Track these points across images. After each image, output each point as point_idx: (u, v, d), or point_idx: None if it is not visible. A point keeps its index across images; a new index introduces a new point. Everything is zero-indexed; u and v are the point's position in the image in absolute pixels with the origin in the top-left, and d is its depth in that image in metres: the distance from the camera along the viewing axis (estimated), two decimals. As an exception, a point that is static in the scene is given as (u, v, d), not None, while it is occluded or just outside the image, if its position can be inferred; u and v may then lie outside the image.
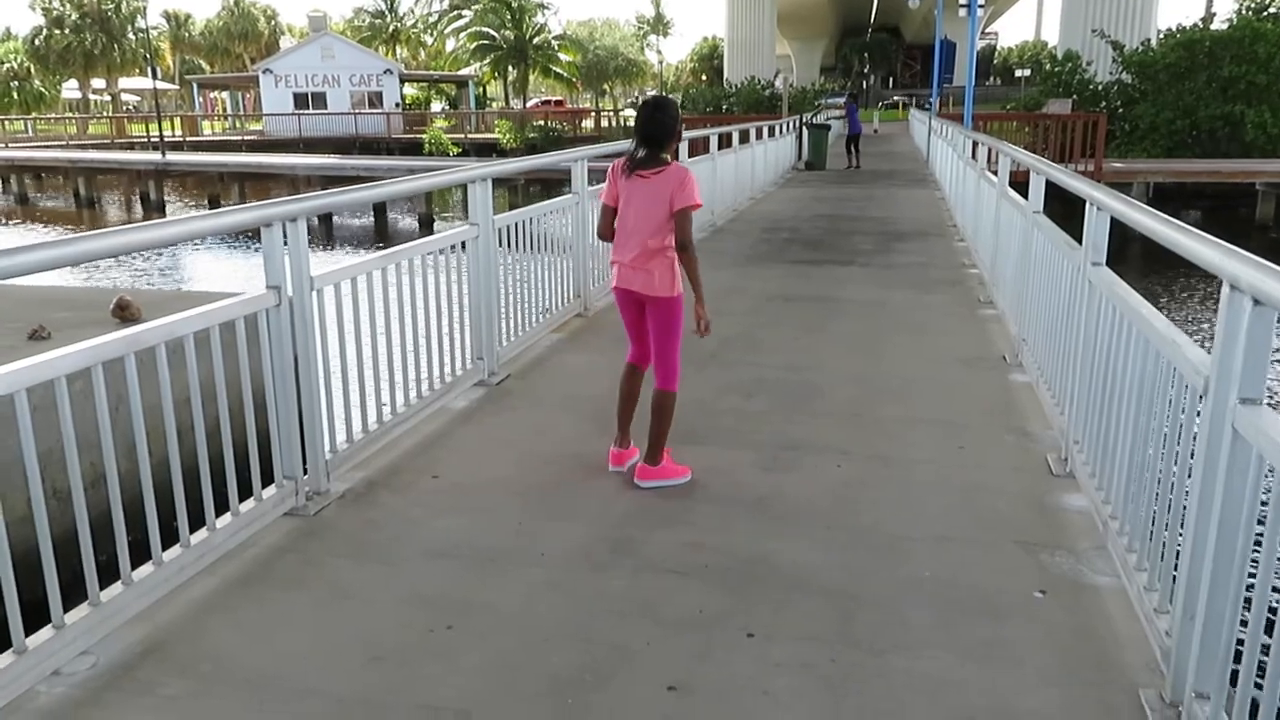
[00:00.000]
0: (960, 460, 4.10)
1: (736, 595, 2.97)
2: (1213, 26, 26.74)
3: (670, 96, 4.69)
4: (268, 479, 3.45)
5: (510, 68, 56.93)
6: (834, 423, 4.58)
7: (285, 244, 3.39)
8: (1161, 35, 27.00)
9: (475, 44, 56.35)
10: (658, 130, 3.73)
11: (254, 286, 3.46)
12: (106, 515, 2.68)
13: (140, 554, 2.86)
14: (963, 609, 2.89)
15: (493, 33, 55.10)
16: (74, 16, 62.97)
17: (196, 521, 3.07)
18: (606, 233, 3.94)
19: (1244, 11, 28.43)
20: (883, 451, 4.18)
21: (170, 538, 2.97)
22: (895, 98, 74.74)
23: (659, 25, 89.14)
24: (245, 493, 3.33)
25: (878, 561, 3.19)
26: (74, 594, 2.64)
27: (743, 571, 3.13)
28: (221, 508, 3.23)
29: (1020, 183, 6.11)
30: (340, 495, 3.69)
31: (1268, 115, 23.36)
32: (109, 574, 2.74)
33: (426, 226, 25.53)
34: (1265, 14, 27.60)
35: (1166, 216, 2.81)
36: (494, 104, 63.08)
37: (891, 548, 3.29)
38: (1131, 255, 14.38)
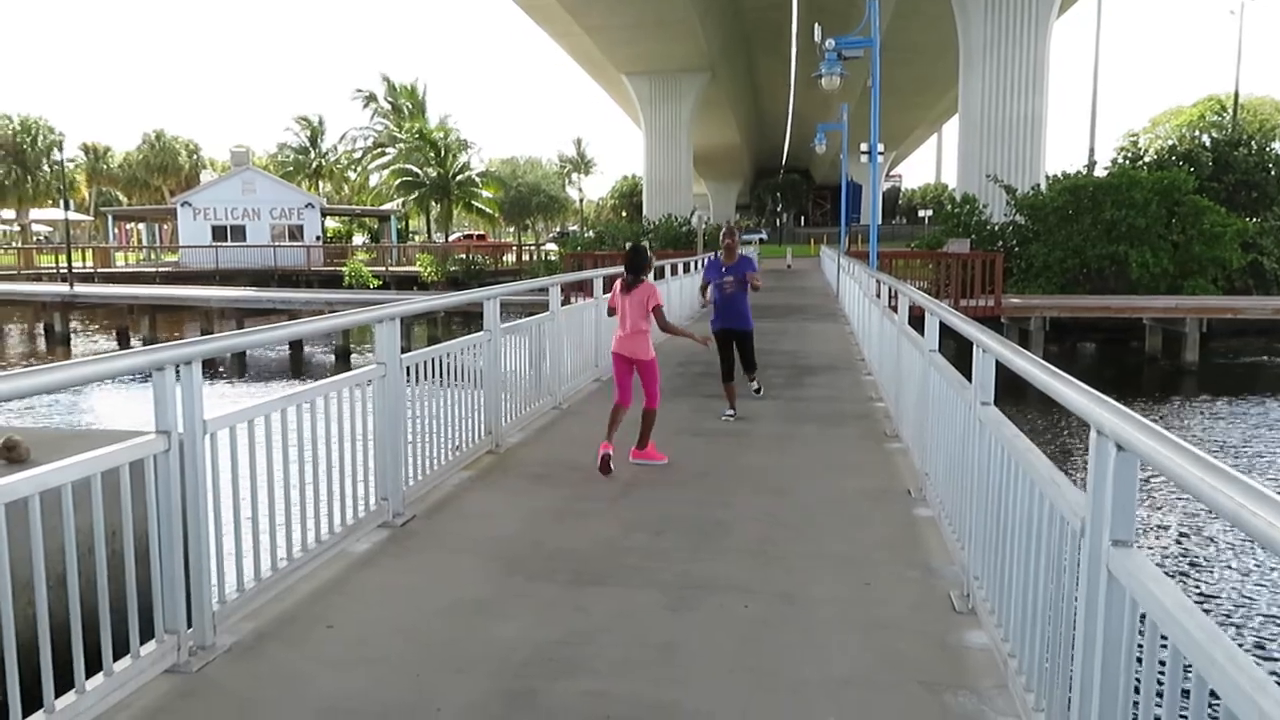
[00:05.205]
0: (865, 597, 4.11)
1: (638, 748, 2.89)
2: (1095, 172, 28.68)
3: (643, 243, 6.93)
4: (148, 633, 3.27)
5: (433, 203, 57.90)
6: (741, 560, 4.57)
7: (179, 383, 3.32)
8: (1049, 180, 28.83)
9: (399, 180, 57.31)
10: (636, 262, 6.64)
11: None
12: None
13: (-3, 722, 2.66)
14: (867, 756, 2.85)
15: (416, 170, 56.19)
16: (-13, 149, 62.38)
17: (66, 683, 2.88)
18: (612, 314, 6.95)
19: (1121, 160, 30.71)
20: (788, 590, 4.17)
21: (34, 703, 2.77)
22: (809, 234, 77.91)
23: (581, 164, 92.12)
24: (123, 650, 3.14)
25: (782, 707, 3.14)
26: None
27: (646, 721, 3.04)
28: (95, 666, 3.04)
29: (921, 318, 6.32)
30: (227, 649, 3.51)
31: (1149, 255, 24.94)
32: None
33: (344, 360, 25.28)
34: (1140, 163, 29.83)
35: (1043, 362, 2.95)
36: (417, 237, 63.78)
37: (796, 691, 3.24)
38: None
